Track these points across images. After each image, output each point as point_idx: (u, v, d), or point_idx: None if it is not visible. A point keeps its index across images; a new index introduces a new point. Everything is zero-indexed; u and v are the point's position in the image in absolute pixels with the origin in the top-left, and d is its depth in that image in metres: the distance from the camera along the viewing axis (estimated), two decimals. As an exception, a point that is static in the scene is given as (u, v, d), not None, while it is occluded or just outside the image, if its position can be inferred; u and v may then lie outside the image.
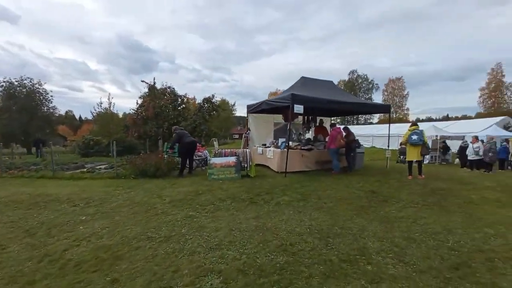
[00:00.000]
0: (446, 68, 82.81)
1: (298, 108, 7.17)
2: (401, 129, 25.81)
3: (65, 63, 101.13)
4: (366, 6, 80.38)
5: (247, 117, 10.36)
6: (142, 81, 18.52)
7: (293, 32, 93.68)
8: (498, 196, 5.70)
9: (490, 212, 4.52)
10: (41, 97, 30.70)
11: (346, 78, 58.97)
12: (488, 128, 20.14)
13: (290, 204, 4.73)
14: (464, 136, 18.07)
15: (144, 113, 17.41)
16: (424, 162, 8.56)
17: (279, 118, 10.16)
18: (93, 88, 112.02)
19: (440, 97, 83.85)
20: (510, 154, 12.64)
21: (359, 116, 59.02)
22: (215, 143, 7.66)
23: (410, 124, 8.47)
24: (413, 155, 7.66)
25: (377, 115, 58.44)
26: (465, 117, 48.26)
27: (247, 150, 7.32)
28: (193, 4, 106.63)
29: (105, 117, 22.47)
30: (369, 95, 56.57)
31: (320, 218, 3.95)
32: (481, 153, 10.93)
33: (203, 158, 8.93)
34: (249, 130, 10.19)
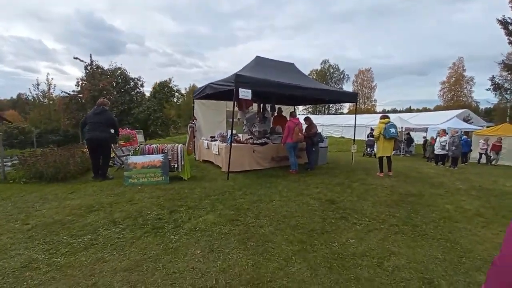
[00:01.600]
0: (409, 62, 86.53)
1: (245, 93, 5.63)
2: (368, 120, 25.72)
3: (20, 41, 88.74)
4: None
5: (193, 104, 8.60)
6: (75, 58, 15.66)
7: (268, 19, 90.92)
8: (476, 205, 4.73)
9: (474, 236, 3.41)
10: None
11: (319, 68, 58.58)
12: (449, 120, 20.35)
13: (208, 231, 3.23)
14: (427, 128, 18.03)
15: (78, 97, 14.76)
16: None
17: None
18: (51, 69, 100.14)
19: (403, 90, 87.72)
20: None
21: (331, 105, 59.92)
22: (139, 135, 5.85)
23: (380, 116, 7.41)
24: (387, 150, 6.86)
25: (347, 105, 59.47)
26: (425, 110, 50.45)
27: (179, 146, 5.66)
28: None
29: (40, 102, 19.16)
30: (340, 86, 56.79)
31: (238, 265, 2.50)
32: (446, 147, 10.38)
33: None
34: (195, 119, 8.48)
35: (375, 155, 13.91)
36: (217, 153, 6.93)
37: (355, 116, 8.92)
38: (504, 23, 13.70)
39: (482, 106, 46.23)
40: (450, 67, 47.23)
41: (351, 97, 8.09)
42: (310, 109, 60.92)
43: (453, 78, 46.86)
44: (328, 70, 57.96)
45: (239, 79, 5.61)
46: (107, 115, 5.95)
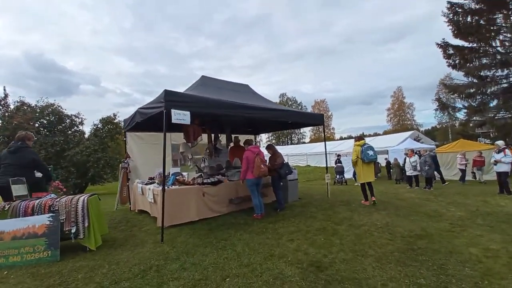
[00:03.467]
0: (355, 94, 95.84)
1: (180, 116, 4.04)
2: (331, 147, 25.79)
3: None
4: (288, 41, 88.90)
5: (125, 137, 6.68)
6: None
7: (226, 60, 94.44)
8: (499, 240, 3.51)
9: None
10: None
11: (278, 101, 60.52)
12: (404, 141, 21.01)
13: None
14: (387, 151, 18.14)
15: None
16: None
17: (180, 137, 6.80)
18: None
19: (354, 119, 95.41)
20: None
21: (293, 135, 61.13)
22: (16, 186, 3.70)
23: (355, 138, 6.65)
24: (369, 175, 6.04)
25: (308, 135, 61.29)
26: (376, 134, 54.13)
27: (81, 198, 3.68)
28: (119, 27, 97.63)
29: None
30: (300, 116, 58.70)
31: None
32: (418, 168, 9.77)
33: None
34: (128, 157, 6.53)
35: (346, 182, 13.02)
36: (152, 200, 5.01)
37: (325, 141, 7.86)
38: (443, 46, 14.73)
39: (422, 128, 50.81)
40: (391, 95, 52.57)
41: (316, 118, 7.01)
42: (273, 140, 61.44)
43: (396, 105, 51.74)
44: (286, 102, 60.15)
45: (170, 98, 4.04)
46: (25, 153, 4.06)
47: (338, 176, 13.09)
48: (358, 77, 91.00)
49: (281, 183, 6.09)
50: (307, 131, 61.52)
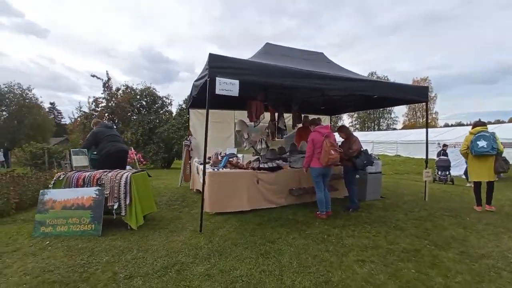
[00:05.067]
0: (473, 71, 74.78)
1: (226, 86, 3.31)
2: (432, 135, 20.94)
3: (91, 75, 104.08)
4: (383, 11, 75.37)
5: (188, 114, 6.54)
6: (93, 75, 15.46)
7: (311, 39, 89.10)
8: None
9: None
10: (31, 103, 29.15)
11: (365, 80, 53.84)
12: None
13: None
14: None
15: (94, 115, 14.25)
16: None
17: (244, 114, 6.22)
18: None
19: (468, 102, 75.61)
20: None
21: (381, 121, 53.58)
22: (70, 158, 3.81)
23: (472, 125, 4.91)
24: (481, 173, 4.59)
25: (401, 120, 52.71)
26: (499, 122, 41.39)
27: (125, 174, 3.49)
28: (210, 16, 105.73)
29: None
30: (392, 98, 50.81)
31: None
32: None
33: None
34: (191, 135, 6.38)
35: (452, 181, 10.05)
36: (202, 182, 4.62)
37: (427, 125, 5.78)
38: None
39: None
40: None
41: (417, 92, 5.10)
42: (357, 125, 55.55)
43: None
44: (376, 82, 52.86)
45: (215, 63, 3.33)
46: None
47: (440, 172, 10.18)
48: (479, 50, 70.87)
49: (357, 176, 4.77)
50: (400, 116, 52.90)
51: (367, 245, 3.07)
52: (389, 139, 25.57)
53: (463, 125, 45.20)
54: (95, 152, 4.30)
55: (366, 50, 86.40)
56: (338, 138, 4.65)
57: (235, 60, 3.50)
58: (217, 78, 3.29)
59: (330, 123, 8.28)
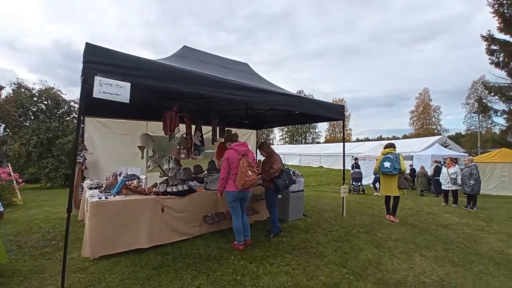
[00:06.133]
0: (376, 96, 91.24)
1: (110, 89, 2.48)
2: (348, 148, 23.68)
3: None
4: (310, 38, 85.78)
5: (82, 124, 5.20)
6: None
7: (247, 55, 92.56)
8: None
9: None
10: None
11: (293, 97, 58.33)
12: (431, 146, 18.67)
13: None
14: (412, 156, 15.91)
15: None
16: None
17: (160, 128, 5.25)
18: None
19: (373, 121, 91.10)
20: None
21: (307, 135, 58.56)
22: None
23: (384, 146, 5.55)
24: (389, 189, 5.26)
25: (324, 135, 58.75)
26: (394, 138, 50.78)
27: None
28: (145, 20, 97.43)
29: None
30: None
31: None
32: (459, 181, 7.79)
33: None
34: (85, 149, 5.08)
35: (364, 190, 11.13)
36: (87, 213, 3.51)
37: (343, 139, 5.98)
38: (488, 39, 12.48)
39: (447, 134, 47.17)
40: (417, 97, 48.89)
41: (335, 110, 5.23)
42: (287, 139, 59.19)
43: (421, 108, 48.13)
44: (302, 99, 57.88)
45: (93, 57, 2.46)
46: None
47: (355, 183, 11.19)
48: (381, 79, 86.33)
49: (279, 196, 4.45)
50: (322, 131, 59.01)
51: (284, 284, 2.63)
52: (314, 152, 27.81)
53: (369, 140, 53.24)
54: None
55: (295, 71, 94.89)
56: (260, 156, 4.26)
57: (125, 57, 2.69)
58: (97, 77, 2.43)
59: (257, 138, 8.04)
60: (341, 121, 5.35)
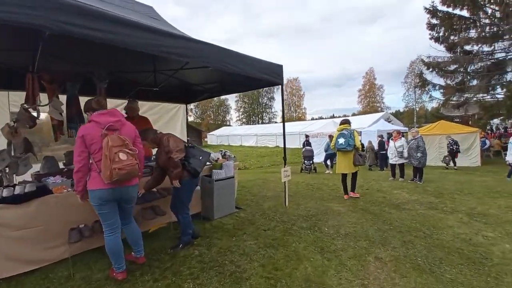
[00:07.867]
0: (328, 76, 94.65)
1: None
2: (301, 127, 23.52)
3: None
4: (266, 15, 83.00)
5: None
6: None
7: (197, 31, 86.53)
8: None
9: None
10: None
11: (248, 77, 56.71)
12: (377, 122, 19.34)
13: None
14: (360, 132, 16.13)
15: None
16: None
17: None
18: None
19: (326, 100, 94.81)
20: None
21: (264, 115, 57.92)
22: None
23: (340, 122, 5.40)
24: (343, 166, 5.04)
25: (280, 114, 58.95)
26: (345, 116, 53.53)
27: None
28: None
29: None
30: (271, 95, 55.99)
31: None
32: (406, 154, 7.52)
33: None
34: None
35: (315, 169, 10.61)
36: None
37: (282, 105, 4.54)
38: (431, 11, 12.57)
39: (389, 111, 51.32)
40: (363, 76, 51.64)
41: (272, 71, 4.00)
42: (244, 119, 57.91)
43: (367, 86, 50.97)
44: (257, 79, 56.70)
45: None
46: None
47: (306, 162, 10.56)
48: (332, 58, 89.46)
49: (197, 187, 3.20)
50: (278, 111, 59.02)
51: None
52: (270, 132, 27.29)
53: (322, 118, 55.12)
54: None
55: (250, 49, 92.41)
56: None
57: None
58: None
59: (190, 113, 6.52)
60: (279, 85, 4.19)
